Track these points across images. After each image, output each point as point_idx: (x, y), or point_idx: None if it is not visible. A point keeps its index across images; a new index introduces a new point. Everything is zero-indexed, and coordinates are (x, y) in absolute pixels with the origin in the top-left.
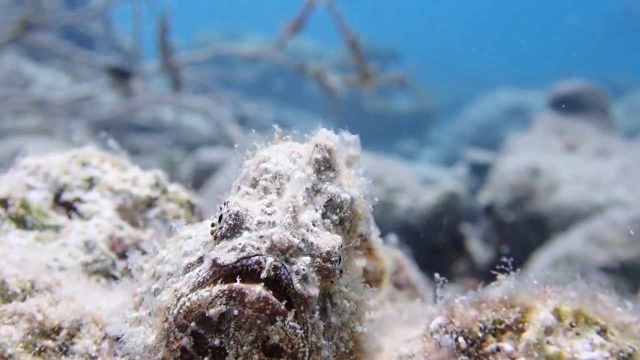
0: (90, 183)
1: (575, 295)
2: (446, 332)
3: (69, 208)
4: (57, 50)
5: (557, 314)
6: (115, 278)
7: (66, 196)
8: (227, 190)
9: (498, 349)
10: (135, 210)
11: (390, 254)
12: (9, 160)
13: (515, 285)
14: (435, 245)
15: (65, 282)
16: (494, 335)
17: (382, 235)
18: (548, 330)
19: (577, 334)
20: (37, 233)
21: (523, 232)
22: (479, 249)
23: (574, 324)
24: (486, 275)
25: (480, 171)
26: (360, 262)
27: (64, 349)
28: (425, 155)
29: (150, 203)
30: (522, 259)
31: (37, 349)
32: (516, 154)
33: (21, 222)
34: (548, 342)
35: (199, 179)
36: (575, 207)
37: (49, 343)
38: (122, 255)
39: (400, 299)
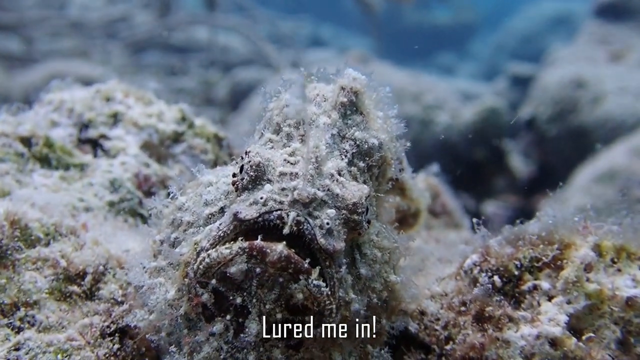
0: (115, 119)
1: (618, 229)
2: (481, 271)
3: (94, 145)
4: None
5: (598, 249)
6: (142, 217)
7: (91, 133)
8: (251, 134)
9: (535, 287)
10: (161, 146)
11: (427, 181)
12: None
13: (553, 221)
14: (475, 162)
15: (91, 223)
16: (530, 273)
17: (421, 158)
18: (588, 267)
19: (619, 270)
20: (62, 172)
21: (565, 147)
22: (519, 164)
23: (615, 260)
24: (526, 191)
25: (521, 84)
26: (394, 201)
27: (89, 294)
28: (465, 69)
29: (176, 138)
30: (564, 174)
31: (62, 294)
32: (559, 65)
33: (45, 161)
34: (588, 279)
35: (236, 100)
36: (620, 119)
37: (74, 288)
38: (149, 193)
39: (436, 227)
